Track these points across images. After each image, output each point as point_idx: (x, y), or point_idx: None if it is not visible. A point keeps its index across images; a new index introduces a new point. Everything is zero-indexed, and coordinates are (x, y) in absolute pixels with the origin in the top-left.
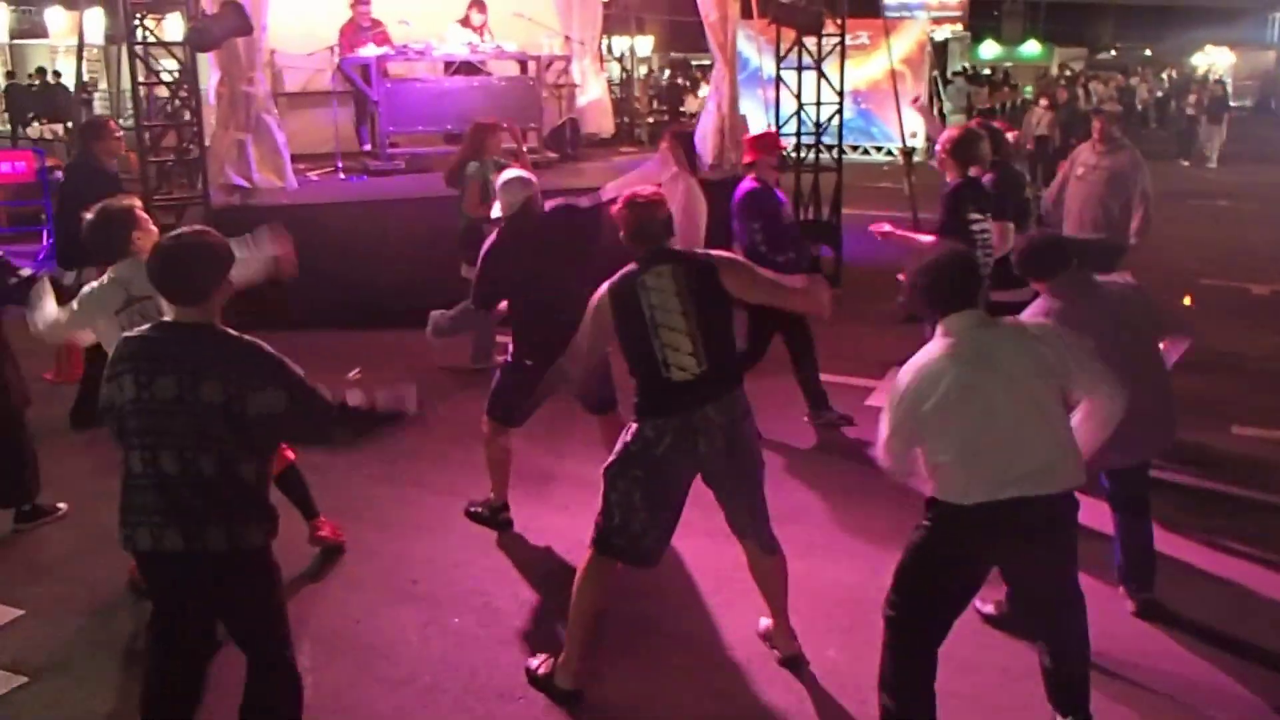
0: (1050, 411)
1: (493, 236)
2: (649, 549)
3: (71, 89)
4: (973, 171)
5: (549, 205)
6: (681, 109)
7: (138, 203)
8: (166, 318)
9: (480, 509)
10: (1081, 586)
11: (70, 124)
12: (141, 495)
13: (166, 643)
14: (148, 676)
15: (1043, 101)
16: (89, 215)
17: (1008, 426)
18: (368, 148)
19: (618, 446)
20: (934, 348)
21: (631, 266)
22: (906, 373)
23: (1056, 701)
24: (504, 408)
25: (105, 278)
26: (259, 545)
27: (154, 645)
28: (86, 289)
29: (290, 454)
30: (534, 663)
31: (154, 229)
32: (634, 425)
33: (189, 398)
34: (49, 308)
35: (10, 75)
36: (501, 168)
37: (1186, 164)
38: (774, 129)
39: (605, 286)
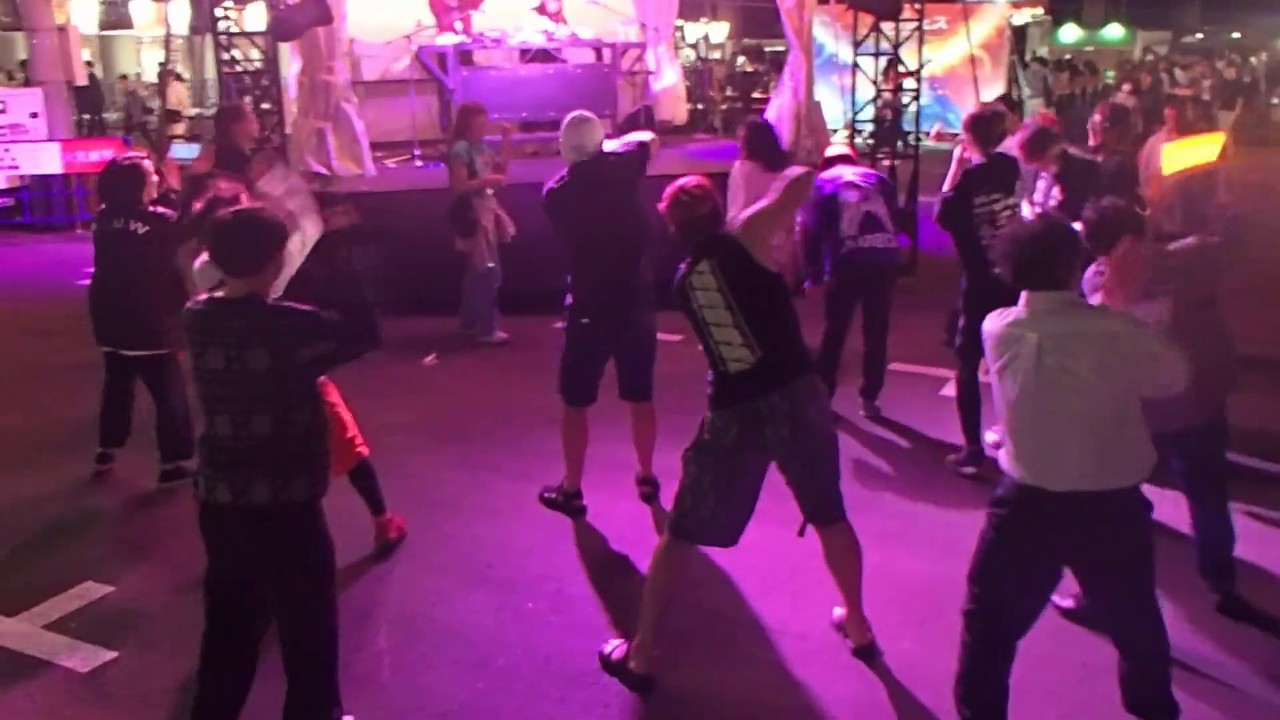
0: (1108, 408)
1: (555, 182)
2: (722, 531)
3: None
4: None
5: (626, 146)
6: (755, 95)
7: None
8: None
9: (554, 495)
10: (1160, 587)
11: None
12: (203, 450)
13: (216, 597)
14: (202, 642)
15: (1125, 87)
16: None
17: (1059, 421)
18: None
19: (694, 437)
20: (1011, 313)
21: (684, 264)
22: (991, 321)
23: (1125, 701)
24: (569, 382)
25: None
26: (303, 499)
27: (206, 599)
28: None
29: (364, 449)
30: (607, 648)
31: None
32: (706, 416)
33: (236, 368)
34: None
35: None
36: (487, 150)
37: None
38: (851, 115)
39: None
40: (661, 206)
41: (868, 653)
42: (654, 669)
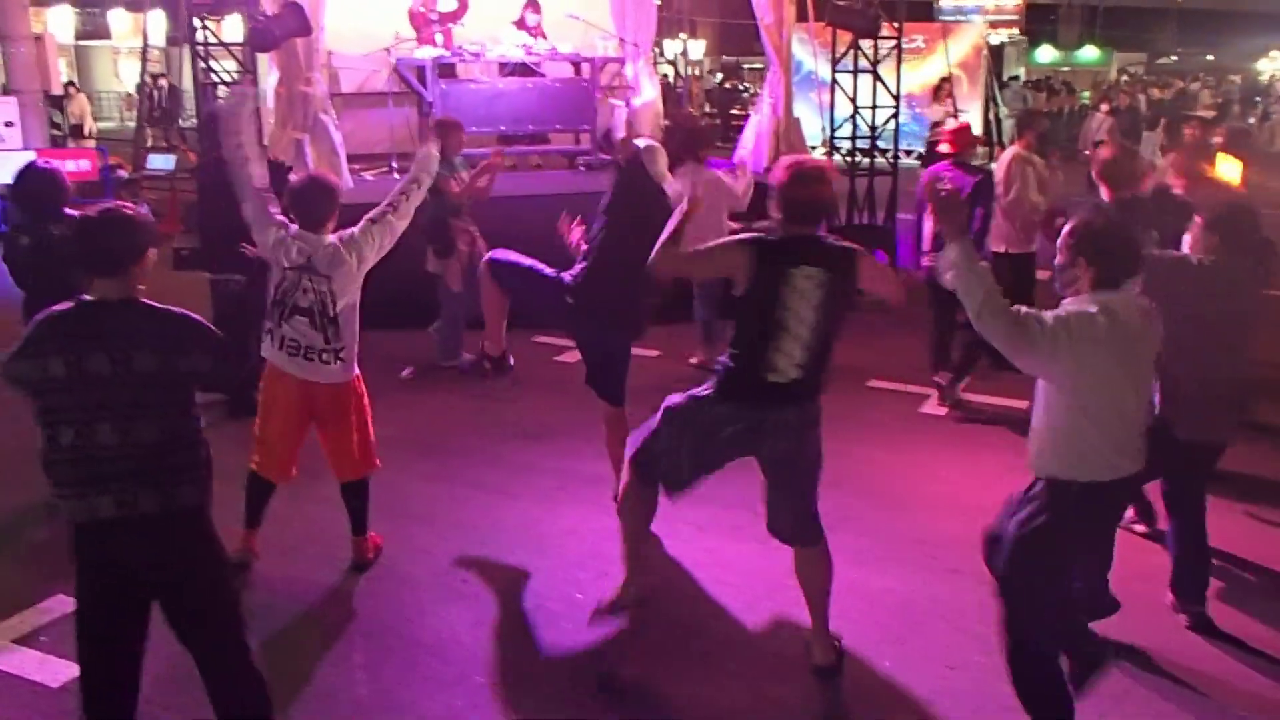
0: None
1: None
2: (684, 484)
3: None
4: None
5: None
6: (733, 111)
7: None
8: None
9: (478, 360)
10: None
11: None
12: (74, 469)
13: (95, 624)
14: (81, 670)
15: (1103, 106)
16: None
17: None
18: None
19: (681, 405)
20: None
21: (782, 245)
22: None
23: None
24: (513, 271)
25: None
26: (193, 505)
27: (81, 629)
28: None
29: (370, 467)
30: (604, 599)
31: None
32: (709, 397)
33: (122, 371)
34: None
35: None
36: (466, 166)
37: None
38: (829, 133)
39: (753, 243)
40: (779, 176)
41: (829, 673)
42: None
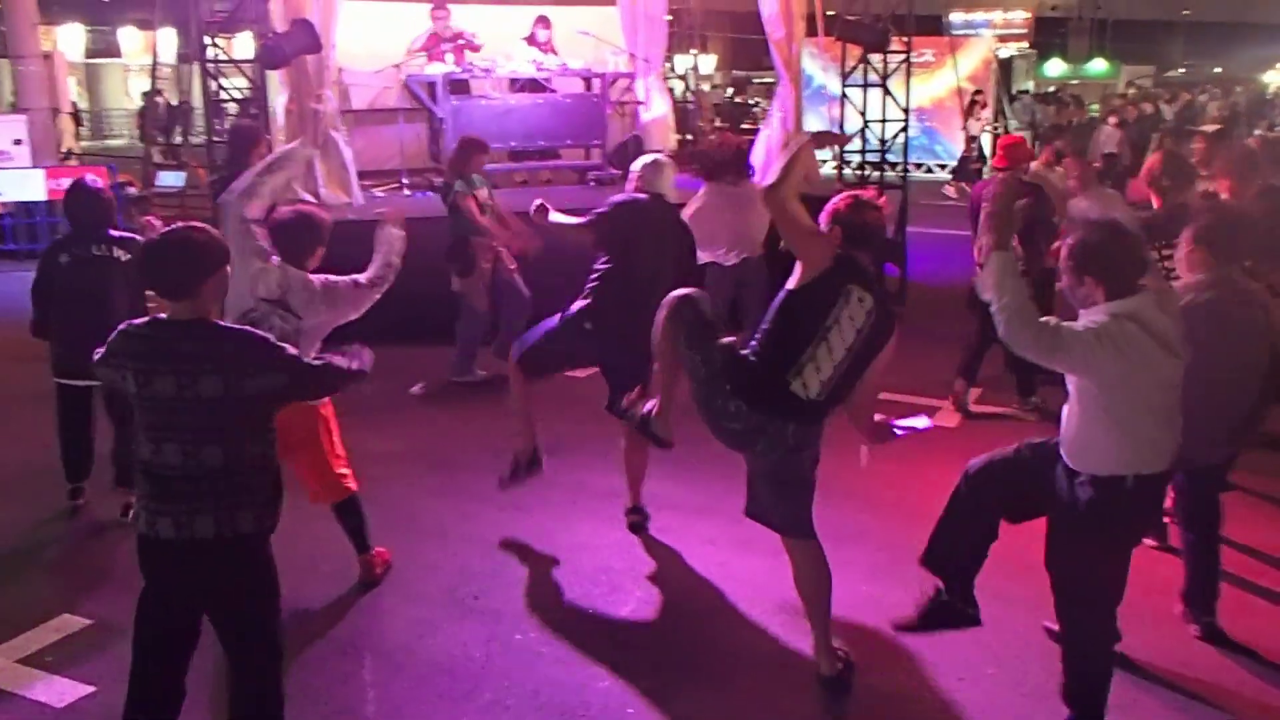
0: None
1: (625, 198)
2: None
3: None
4: None
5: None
6: (744, 126)
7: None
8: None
9: (510, 469)
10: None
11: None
12: (147, 482)
13: (148, 630)
14: (131, 672)
15: (1111, 119)
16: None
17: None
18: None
19: (709, 373)
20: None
21: (850, 260)
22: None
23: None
24: (537, 358)
25: (276, 264)
26: (249, 532)
27: (137, 631)
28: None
29: (353, 485)
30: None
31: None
32: (725, 389)
33: (189, 395)
34: None
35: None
36: (486, 183)
37: None
38: (839, 146)
39: (834, 248)
40: (840, 203)
41: (835, 684)
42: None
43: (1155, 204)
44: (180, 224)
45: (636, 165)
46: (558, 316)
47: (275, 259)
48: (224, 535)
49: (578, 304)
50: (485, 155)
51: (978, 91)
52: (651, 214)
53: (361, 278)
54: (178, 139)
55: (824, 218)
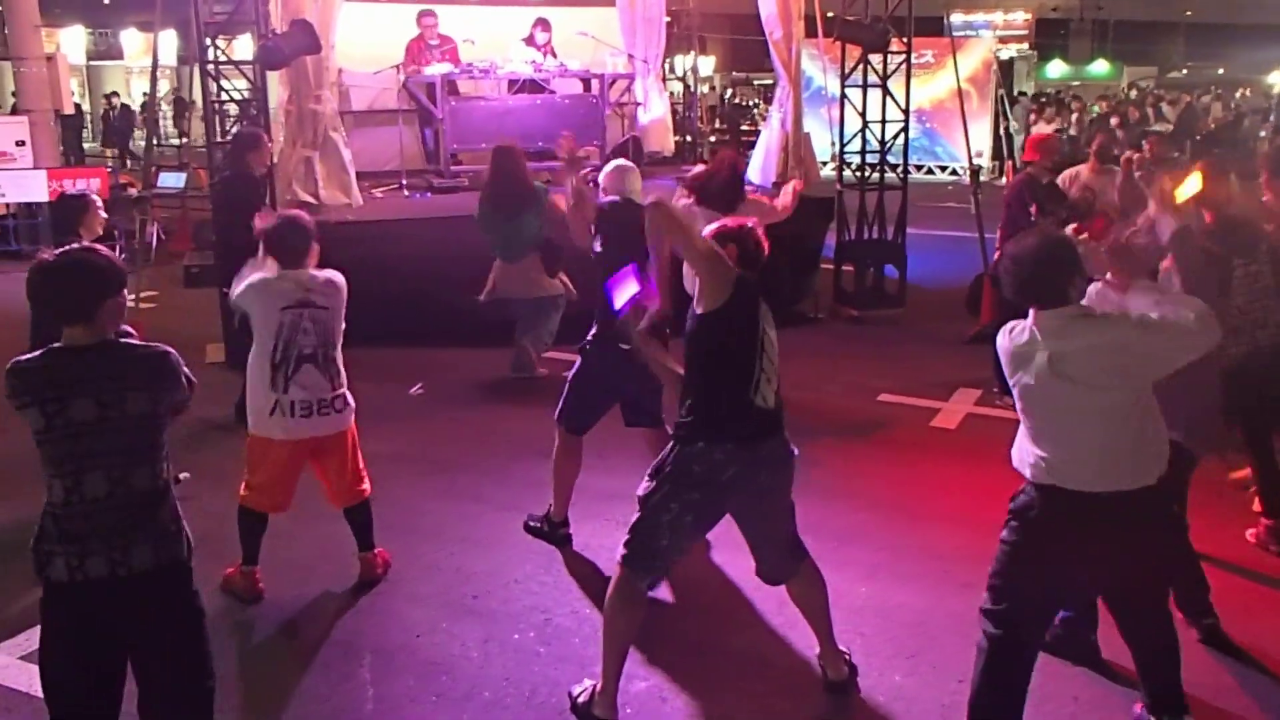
0: (1127, 408)
1: (603, 232)
2: (667, 568)
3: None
4: None
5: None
6: (742, 128)
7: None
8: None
9: (540, 524)
10: None
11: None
12: (63, 521)
13: (69, 689)
14: None
15: (1113, 120)
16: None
17: (1082, 424)
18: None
19: (668, 468)
20: (1019, 330)
21: (748, 283)
22: (1001, 337)
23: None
24: (574, 407)
25: (282, 273)
26: (183, 557)
27: (53, 694)
28: (260, 274)
29: (368, 489)
30: (575, 690)
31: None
32: (699, 447)
33: (114, 414)
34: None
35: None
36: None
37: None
38: (838, 147)
39: (736, 269)
40: (726, 225)
41: (840, 688)
42: (618, 711)
43: (1207, 219)
44: (75, 245)
45: (606, 171)
46: (577, 360)
47: (273, 266)
48: (163, 563)
49: (587, 341)
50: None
51: (1039, 96)
52: (632, 213)
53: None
54: (147, 142)
55: (710, 233)
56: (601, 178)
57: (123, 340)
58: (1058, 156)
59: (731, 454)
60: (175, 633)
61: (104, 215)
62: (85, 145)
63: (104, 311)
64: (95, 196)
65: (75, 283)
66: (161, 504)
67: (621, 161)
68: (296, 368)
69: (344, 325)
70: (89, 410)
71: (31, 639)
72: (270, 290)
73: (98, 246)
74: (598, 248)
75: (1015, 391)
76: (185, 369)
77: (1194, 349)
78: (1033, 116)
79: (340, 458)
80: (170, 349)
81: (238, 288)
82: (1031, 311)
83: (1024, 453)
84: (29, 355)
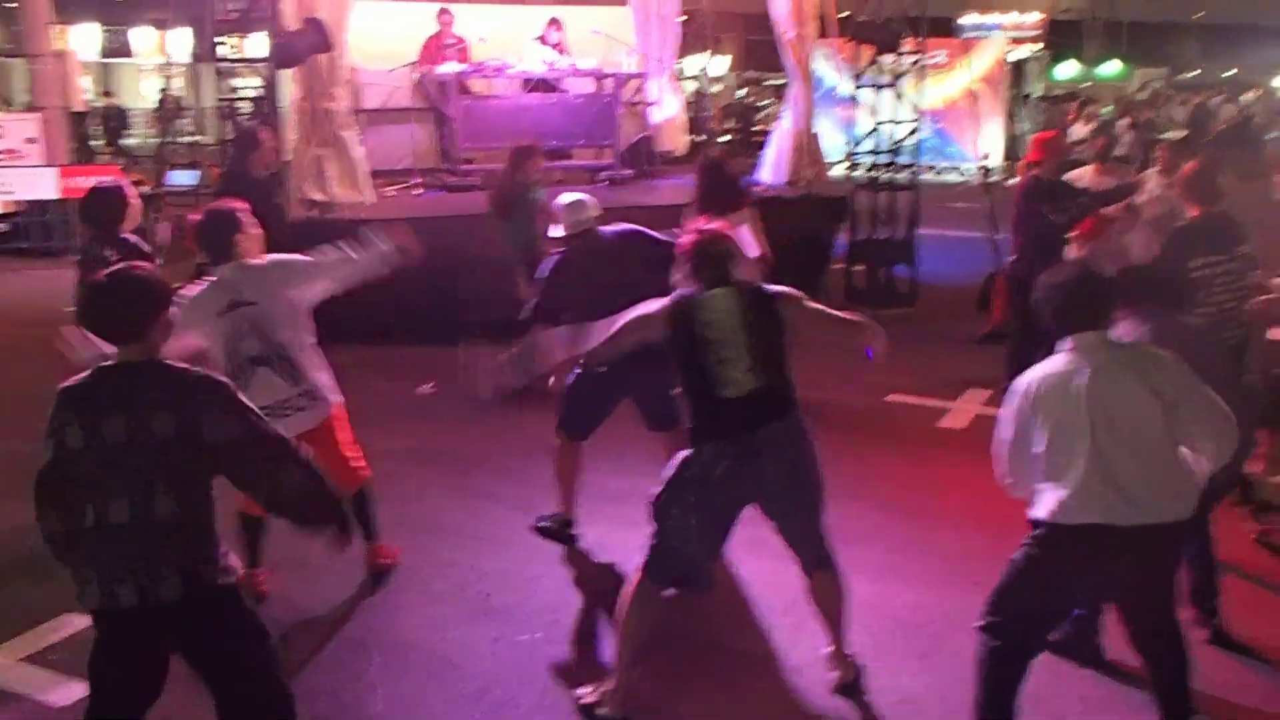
0: (1161, 437)
1: (557, 255)
2: (701, 575)
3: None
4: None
5: (621, 228)
6: (755, 127)
7: (242, 206)
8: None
9: (549, 524)
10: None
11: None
12: (87, 548)
13: (113, 683)
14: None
15: (1125, 120)
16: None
17: (1120, 455)
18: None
19: (669, 474)
20: (1055, 363)
21: (689, 289)
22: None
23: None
24: (571, 414)
25: (209, 281)
26: (215, 584)
27: (99, 685)
28: (189, 293)
29: (366, 472)
30: (582, 691)
31: (257, 232)
32: (691, 451)
33: (141, 438)
34: None
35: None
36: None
37: None
38: (853, 147)
39: (660, 307)
40: (682, 244)
41: (851, 689)
42: (629, 711)
43: (1192, 213)
44: (124, 264)
45: (559, 203)
46: (575, 372)
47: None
48: (193, 593)
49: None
50: (540, 159)
51: (1076, 96)
52: (590, 252)
53: (321, 255)
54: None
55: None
56: (555, 206)
57: (164, 361)
58: (1063, 157)
59: (720, 449)
60: (226, 654)
61: (139, 203)
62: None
63: (155, 330)
64: (130, 187)
65: (132, 302)
66: (185, 531)
67: (576, 196)
68: (251, 373)
69: (305, 306)
70: (119, 431)
71: (31, 641)
72: (199, 302)
73: (143, 265)
74: (551, 266)
75: (1037, 436)
76: (245, 402)
77: (1219, 437)
78: (1070, 116)
79: (324, 450)
80: (211, 374)
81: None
82: (1069, 340)
83: (1046, 501)
84: (80, 378)
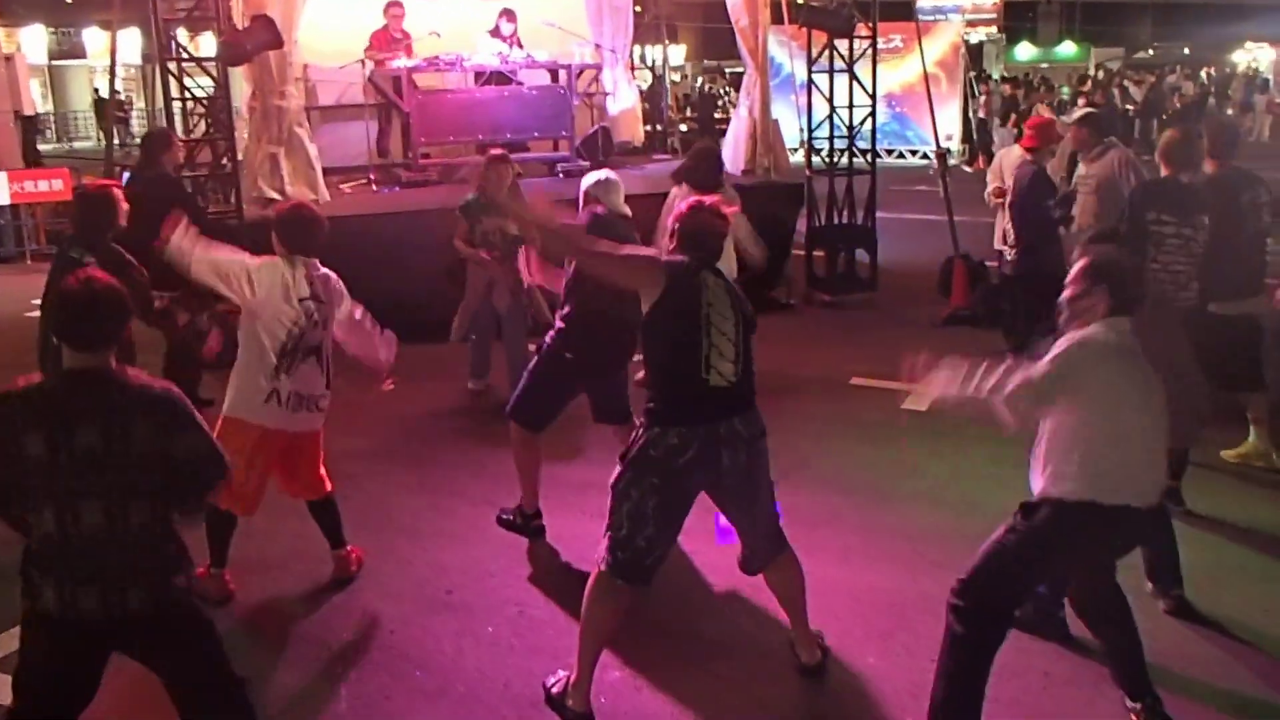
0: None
1: (597, 212)
2: (649, 568)
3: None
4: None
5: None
6: (715, 116)
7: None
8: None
9: (512, 516)
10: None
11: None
12: (55, 555)
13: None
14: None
15: (1080, 103)
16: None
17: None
18: (389, 160)
19: (632, 455)
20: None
21: (687, 259)
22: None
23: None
24: (531, 407)
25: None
26: (181, 593)
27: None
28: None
29: (328, 485)
30: (550, 680)
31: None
32: (655, 432)
33: (118, 446)
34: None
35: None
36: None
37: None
38: (807, 133)
39: (664, 260)
40: (679, 212)
41: (814, 671)
42: (593, 704)
43: (1165, 172)
44: (96, 275)
45: (587, 183)
46: (535, 356)
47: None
48: (161, 604)
49: (551, 336)
50: (507, 168)
51: (1089, 76)
52: (618, 230)
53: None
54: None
55: (669, 220)
56: (585, 185)
57: (130, 372)
58: (1055, 142)
59: (687, 436)
60: (183, 655)
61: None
62: (48, 146)
63: (118, 340)
64: (116, 189)
65: (100, 314)
66: (160, 539)
67: (608, 174)
68: (303, 359)
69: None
70: (94, 438)
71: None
72: (287, 278)
73: (106, 275)
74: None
75: (1081, 399)
76: (203, 424)
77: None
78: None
79: (312, 455)
80: (174, 387)
81: (252, 260)
82: (1121, 320)
83: (1060, 471)
84: (38, 380)
